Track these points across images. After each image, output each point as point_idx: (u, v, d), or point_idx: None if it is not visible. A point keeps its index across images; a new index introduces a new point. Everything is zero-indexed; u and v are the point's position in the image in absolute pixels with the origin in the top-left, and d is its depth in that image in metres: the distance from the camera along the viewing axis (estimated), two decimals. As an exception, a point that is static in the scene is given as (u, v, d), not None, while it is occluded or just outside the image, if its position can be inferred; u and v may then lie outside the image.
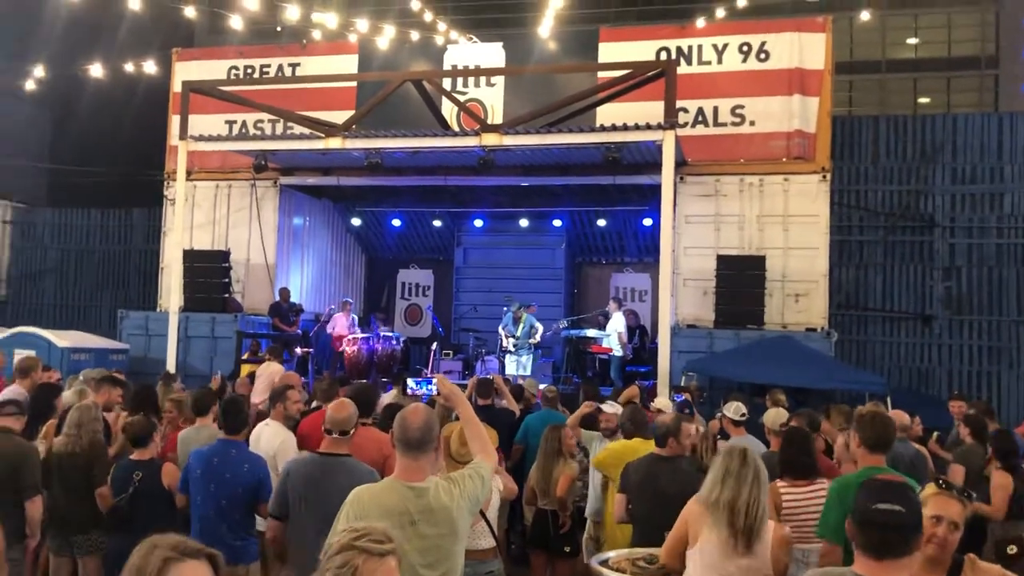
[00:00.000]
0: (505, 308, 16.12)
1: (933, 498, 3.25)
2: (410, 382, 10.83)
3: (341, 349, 16.00)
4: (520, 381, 11.71)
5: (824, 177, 14.30)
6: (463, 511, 3.48)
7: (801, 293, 14.10)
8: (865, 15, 16.27)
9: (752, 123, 14.67)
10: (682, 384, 11.67)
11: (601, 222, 17.43)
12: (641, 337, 16.45)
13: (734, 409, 6.99)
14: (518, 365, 15.30)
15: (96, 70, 17.26)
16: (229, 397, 6.20)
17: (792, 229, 14.25)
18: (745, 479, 3.97)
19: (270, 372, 10.70)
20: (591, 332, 15.62)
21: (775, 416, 6.33)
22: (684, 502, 4.23)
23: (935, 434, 9.23)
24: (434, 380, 3.98)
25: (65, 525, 6.00)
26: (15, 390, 7.66)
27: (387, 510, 3.37)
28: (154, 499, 5.71)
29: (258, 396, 9.86)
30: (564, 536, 6.47)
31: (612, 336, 15.14)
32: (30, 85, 17.82)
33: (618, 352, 15.08)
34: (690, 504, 4.14)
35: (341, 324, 16.38)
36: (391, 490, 3.44)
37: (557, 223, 18.18)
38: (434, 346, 16.60)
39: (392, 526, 3.30)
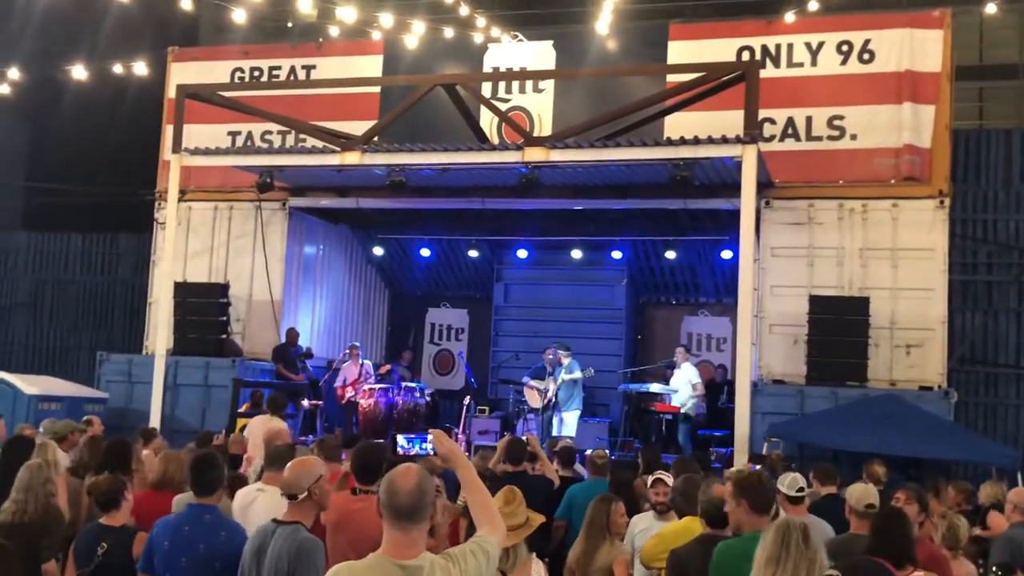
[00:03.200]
0: (551, 355, 16.04)
1: None
2: (400, 439, 10.86)
3: (348, 399, 16.03)
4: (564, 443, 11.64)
5: (942, 203, 14.09)
6: (463, 596, 3.43)
7: (913, 344, 13.84)
8: (991, 7, 16.03)
9: (853, 137, 14.55)
10: (764, 452, 11.49)
11: (670, 254, 17.34)
12: (730, 395, 16.22)
13: (790, 483, 6.77)
14: (560, 424, 15.21)
15: (79, 72, 17.77)
16: (200, 453, 6.23)
17: (902, 266, 14.04)
18: (804, 561, 3.86)
19: (269, 429, 10.76)
20: (655, 387, 15.49)
21: (861, 494, 6.16)
22: None
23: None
24: (430, 437, 3.94)
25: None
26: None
27: (372, 593, 3.35)
28: (118, 574, 5.72)
29: (252, 452, 9.93)
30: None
31: (681, 392, 15.00)
32: (2, 90, 18.36)
33: (688, 410, 14.92)
34: None
35: (351, 374, 16.45)
36: (378, 569, 3.42)
37: (617, 255, 18.16)
38: (467, 400, 16.60)
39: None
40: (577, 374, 15.70)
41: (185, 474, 6.86)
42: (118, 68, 17.93)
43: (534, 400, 15.94)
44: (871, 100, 14.52)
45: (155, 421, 13.80)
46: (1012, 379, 16.65)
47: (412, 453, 10.19)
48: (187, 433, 13.69)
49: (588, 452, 10.28)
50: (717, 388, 16.51)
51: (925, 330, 13.86)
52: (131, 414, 15.24)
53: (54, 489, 6.26)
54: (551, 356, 16.13)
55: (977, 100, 30.05)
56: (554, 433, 15.00)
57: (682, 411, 14.90)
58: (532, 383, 16.05)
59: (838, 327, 13.41)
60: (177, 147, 14.59)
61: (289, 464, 5.07)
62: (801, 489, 6.86)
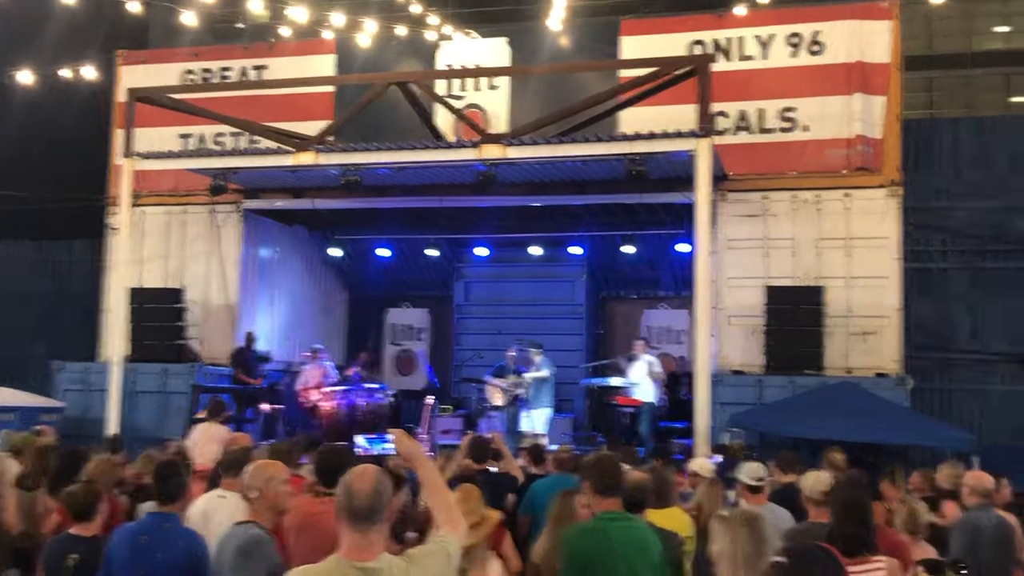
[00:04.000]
0: (513, 352, 16.07)
1: None
2: (360, 440, 10.84)
3: (311, 404, 15.97)
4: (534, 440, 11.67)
5: (894, 192, 14.27)
6: (423, 596, 3.42)
7: (869, 332, 14.02)
8: (940, -1, 16.27)
9: (805, 128, 14.71)
10: (726, 443, 11.58)
11: (628, 249, 17.40)
12: (689, 386, 16.34)
13: (749, 472, 6.85)
14: (529, 421, 15.25)
15: (25, 77, 17.52)
16: (162, 460, 6.17)
17: (856, 255, 14.22)
18: (764, 558, 3.89)
19: (211, 435, 10.71)
20: (617, 381, 15.54)
21: (814, 482, 6.21)
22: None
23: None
24: (391, 438, 3.93)
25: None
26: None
27: (329, 596, 3.33)
28: None
29: (202, 459, 9.84)
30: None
31: (641, 384, 15.06)
32: (-54, 94, 18.09)
33: (649, 399, 14.99)
34: None
35: (313, 377, 16.36)
36: (336, 571, 3.40)
37: (576, 251, 18.21)
38: (429, 400, 16.54)
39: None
40: (545, 372, 15.74)
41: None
42: (66, 72, 17.70)
43: (496, 398, 15.96)
44: (822, 91, 14.69)
45: (113, 429, 13.62)
46: (966, 364, 16.90)
47: (373, 453, 10.12)
48: (146, 441, 13.50)
49: (553, 448, 10.35)
50: (677, 380, 16.63)
51: (880, 318, 14.03)
52: (88, 423, 15.05)
53: (1, 503, 6.14)
54: (514, 354, 16.16)
55: (926, 90, 30.47)
56: (523, 430, 15.03)
57: (645, 402, 14.95)
58: (494, 381, 16.06)
59: (794, 317, 13.56)
60: (128, 151, 14.42)
61: (249, 467, 5.14)
62: (760, 479, 6.92)
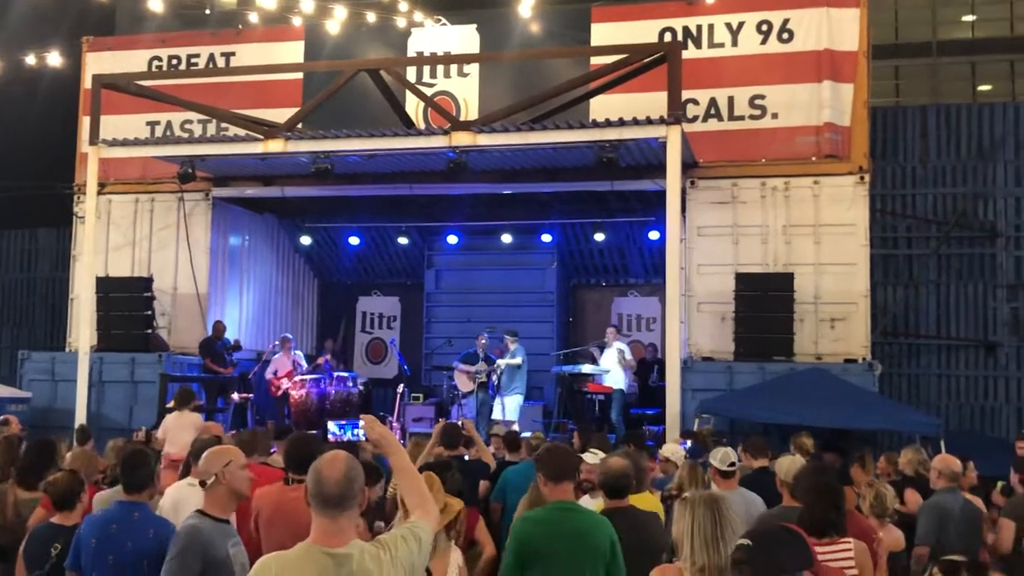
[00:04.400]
0: (483, 340, 16.10)
1: None
2: (331, 426, 10.79)
3: (282, 392, 15.90)
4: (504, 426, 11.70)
5: (862, 179, 14.35)
6: (394, 582, 3.41)
7: (837, 318, 14.11)
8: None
9: (775, 116, 14.75)
10: (695, 428, 11.62)
11: (599, 236, 17.46)
12: (661, 373, 16.43)
13: (721, 457, 6.90)
14: (502, 408, 15.27)
15: (-11, 63, 17.26)
16: (130, 448, 6.12)
17: (825, 241, 14.29)
18: (733, 539, 3.91)
19: (183, 424, 10.66)
20: (587, 368, 15.58)
21: (790, 466, 6.28)
22: (648, 554, 4.16)
23: (1000, 484, 9.20)
24: (361, 423, 3.91)
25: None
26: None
27: (300, 582, 3.31)
28: None
29: (173, 448, 9.80)
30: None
31: (612, 371, 15.11)
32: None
33: (619, 386, 15.05)
34: (664, 569, 4.08)
35: (283, 366, 16.30)
36: (306, 558, 3.39)
37: (547, 238, 18.22)
38: (400, 388, 16.54)
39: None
40: (518, 360, 15.77)
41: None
42: (31, 59, 17.45)
43: (464, 384, 15.98)
44: (791, 79, 14.73)
45: (81, 419, 13.54)
46: (934, 350, 17.09)
47: (344, 439, 10.09)
48: (115, 431, 13.42)
49: (526, 435, 10.37)
50: (647, 367, 16.72)
51: (848, 304, 14.12)
52: (55, 413, 14.93)
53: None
54: (485, 341, 16.16)
55: (893, 78, 30.70)
56: (495, 417, 15.05)
57: (615, 389, 15.00)
58: (462, 367, 16.08)
59: (764, 303, 13.60)
60: (94, 139, 14.29)
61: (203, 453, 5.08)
62: (732, 464, 6.96)
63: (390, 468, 4.32)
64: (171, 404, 11.47)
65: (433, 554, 4.36)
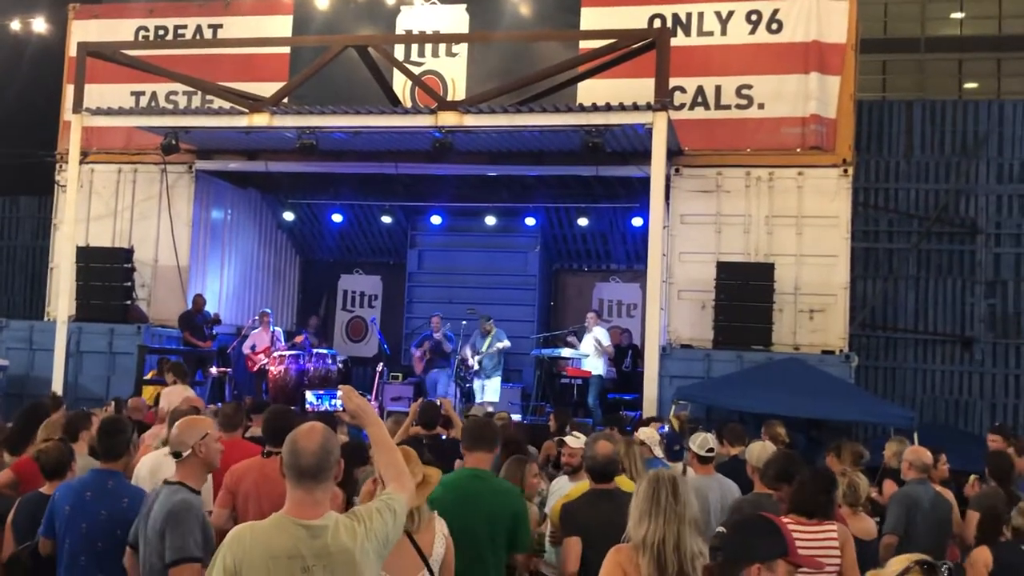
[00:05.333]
0: (465, 322, 16.12)
1: None
2: (310, 396, 10.83)
3: (259, 367, 15.88)
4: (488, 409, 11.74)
5: (845, 171, 14.39)
6: (369, 555, 3.42)
7: (816, 309, 14.17)
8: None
9: (761, 106, 14.75)
10: (672, 415, 11.67)
11: (582, 221, 17.47)
12: (635, 358, 16.54)
13: (700, 443, 6.98)
14: (482, 390, 15.30)
15: (-27, 28, 17.09)
16: (107, 417, 6.11)
17: (807, 233, 14.32)
18: (674, 515, 3.98)
19: (187, 399, 10.62)
20: (567, 352, 15.63)
21: (761, 452, 6.35)
22: None
23: (972, 477, 9.29)
24: (339, 394, 3.91)
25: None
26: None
27: (273, 553, 3.32)
28: None
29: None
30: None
31: (590, 356, 15.16)
32: None
33: (598, 372, 15.10)
34: (620, 549, 4.13)
35: (261, 341, 16.27)
36: (279, 529, 3.39)
37: (530, 221, 18.23)
38: (380, 367, 16.54)
39: (280, 573, 3.28)
40: (506, 343, 15.82)
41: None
42: (16, 25, 17.30)
43: (417, 366, 16.34)
44: (779, 70, 14.72)
45: (57, 388, 13.46)
46: (910, 343, 17.22)
47: (321, 409, 10.15)
48: (91, 401, 13.41)
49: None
50: (621, 352, 16.76)
51: (828, 296, 14.17)
52: (32, 381, 14.85)
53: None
54: (439, 323, 16.44)
55: (880, 72, 30.77)
56: (478, 400, 15.10)
57: (593, 374, 15.06)
58: (416, 352, 16.32)
59: (744, 293, 13.64)
60: (78, 107, 14.16)
61: (176, 423, 5.07)
62: (711, 450, 7.02)
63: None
64: (170, 379, 11.38)
65: (418, 526, 4.38)
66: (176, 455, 4.90)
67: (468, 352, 15.97)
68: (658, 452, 7.90)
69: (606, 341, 15.46)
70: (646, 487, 4.08)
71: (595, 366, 15.17)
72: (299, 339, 16.93)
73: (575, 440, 6.95)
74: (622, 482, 6.16)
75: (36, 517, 5.59)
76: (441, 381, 16.08)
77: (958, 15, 32.17)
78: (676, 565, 3.98)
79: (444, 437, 8.70)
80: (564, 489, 6.82)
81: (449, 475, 5.50)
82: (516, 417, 12.62)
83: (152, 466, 6.35)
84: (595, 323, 15.65)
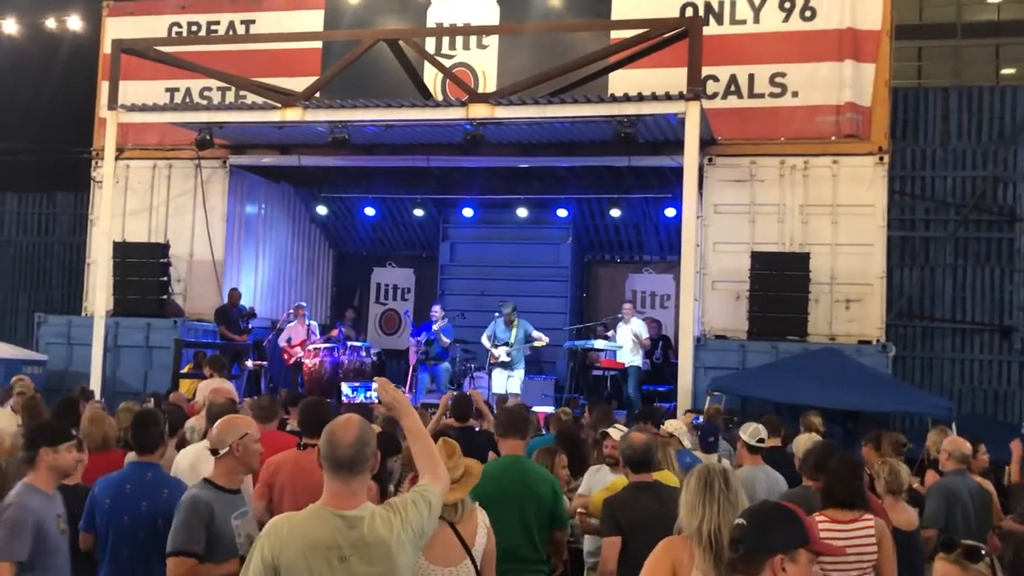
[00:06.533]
0: (496, 313, 16.11)
1: (941, 564, 3.17)
2: (345, 388, 10.93)
3: (295, 360, 15.98)
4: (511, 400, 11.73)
5: (881, 159, 14.25)
6: (404, 545, 3.44)
7: (853, 299, 14.06)
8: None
9: (795, 94, 14.65)
10: (707, 407, 11.63)
11: (615, 212, 17.38)
12: (664, 350, 16.48)
13: (751, 432, 6.97)
14: (508, 381, 15.28)
15: (9, 26, 17.30)
16: (142, 409, 6.16)
17: (842, 222, 14.21)
18: (728, 504, 3.94)
19: (223, 392, 10.72)
20: (600, 343, 15.59)
21: (807, 443, 6.32)
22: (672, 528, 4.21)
23: (1008, 467, 9.20)
24: (374, 386, 3.92)
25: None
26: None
27: (311, 543, 3.34)
28: (72, 537, 5.50)
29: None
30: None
31: (626, 347, 15.12)
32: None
33: (635, 363, 15.07)
34: (672, 540, 4.10)
35: (297, 334, 16.38)
36: (317, 519, 3.41)
37: (562, 213, 18.17)
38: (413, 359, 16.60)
39: (318, 563, 3.31)
40: (544, 339, 15.82)
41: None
42: (51, 23, 17.50)
43: (413, 356, 16.38)
44: (813, 57, 14.60)
45: (96, 383, 13.64)
46: (948, 333, 17.03)
47: (357, 401, 10.23)
48: (129, 395, 13.50)
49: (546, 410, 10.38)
50: (652, 343, 16.66)
51: (864, 285, 14.06)
52: (71, 376, 15.04)
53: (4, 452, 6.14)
54: (442, 313, 16.51)
55: (916, 59, 30.41)
56: (497, 391, 15.08)
57: (629, 365, 15.02)
58: (488, 342, 16.15)
59: (779, 283, 13.55)
60: (113, 104, 14.29)
61: (218, 421, 5.09)
62: (762, 440, 7.01)
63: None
64: (208, 372, 11.51)
65: (461, 517, 4.42)
66: (213, 452, 4.93)
67: (486, 341, 15.90)
68: (687, 443, 7.87)
69: (645, 334, 15.39)
70: (697, 478, 4.04)
71: (633, 358, 15.13)
72: (335, 332, 17.02)
73: (617, 432, 6.96)
74: (664, 476, 6.16)
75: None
76: (441, 376, 16.19)
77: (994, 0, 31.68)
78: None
79: (477, 429, 8.71)
80: (606, 480, 6.83)
81: (490, 464, 5.88)
82: (549, 409, 12.57)
83: (193, 459, 6.41)
84: (631, 314, 15.59)
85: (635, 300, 18.15)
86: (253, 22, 16.96)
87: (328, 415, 6.27)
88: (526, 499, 5.65)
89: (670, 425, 8.14)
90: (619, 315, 15.76)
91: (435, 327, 16.31)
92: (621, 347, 15.25)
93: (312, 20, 16.65)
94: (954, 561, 3.13)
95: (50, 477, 4.96)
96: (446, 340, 16.30)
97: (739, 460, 7.37)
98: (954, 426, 10.89)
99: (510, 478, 5.69)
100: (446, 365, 16.37)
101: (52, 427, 5.27)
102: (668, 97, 12.31)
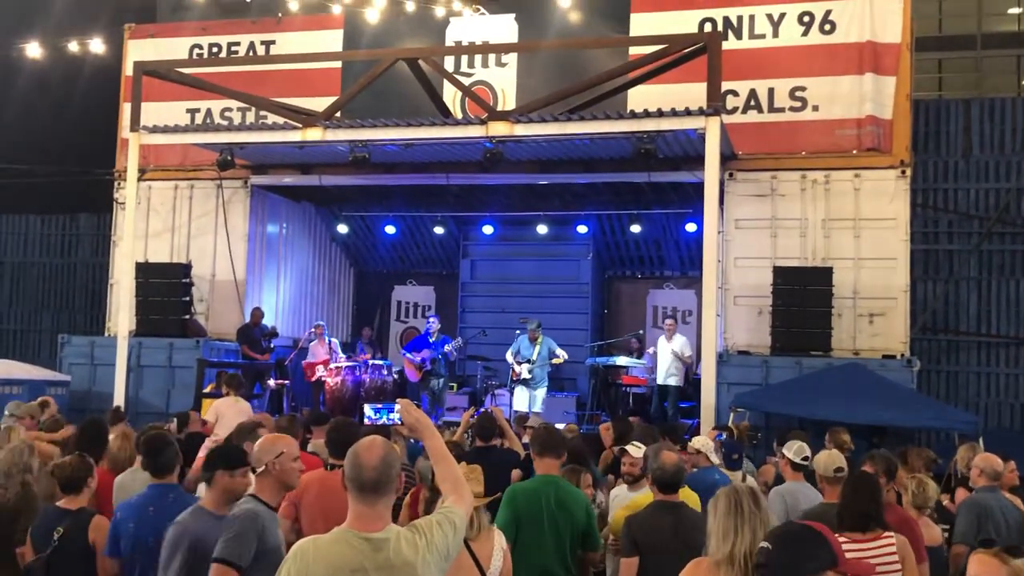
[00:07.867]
0: (518, 331, 16.09)
1: (979, 557, 3.12)
2: (367, 410, 10.94)
3: (316, 378, 16.01)
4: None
5: (903, 173, 14.18)
6: (430, 567, 3.43)
7: (876, 313, 13.96)
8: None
9: (815, 108, 14.60)
10: (730, 423, 11.55)
11: (635, 228, 17.35)
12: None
13: (796, 450, 6.95)
14: (530, 399, 15.24)
15: (33, 50, 17.46)
16: (149, 435, 6.11)
17: (865, 236, 14.14)
18: (760, 524, 3.88)
19: (239, 410, 10.75)
20: (622, 360, 15.54)
21: (827, 459, 6.25)
22: (697, 551, 4.16)
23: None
24: (397, 407, 3.92)
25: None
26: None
27: (336, 567, 3.33)
28: (74, 560, 5.56)
29: (224, 432, 9.86)
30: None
31: (664, 364, 15.13)
32: (-46, 67, 18.09)
33: (672, 382, 15.11)
34: (700, 563, 4.05)
35: (319, 353, 16.43)
36: (342, 542, 3.40)
37: (582, 229, 18.16)
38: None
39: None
40: (564, 355, 15.77)
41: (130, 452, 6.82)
42: (74, 46, 17.67)
43: (413, 373, 16.24)
44: (833, 71, 14.57)
45: (119, 403, 13.68)
46: (973, 347, 16.88)
47: (379, 423, 10.21)
48: (152, 415, 13.59)
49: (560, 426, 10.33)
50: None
51: (887, 299, 13.97)
52: (94, 396, 15.12)
53: (33, 472, 6.15)
54: (438, 326, 16.46)
55: (937, 71, 30.32)
56: (530, 409, 15.04)
57: (667, 383, 15.16)
58: (408, 356, 16.23)
59: (802, 298, 13.48)
60: (135, 125, 14.42)
61: (259, 440, 5.10)
62: (806, 457, 6.96)
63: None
64: (224, 390, 11.54)
65: (476, 536, 4.40)
66: (253, 470, 4.94)
67: (511, 358, 15.86)
68: (715, 459, 7.82)
69: (688, 351, 15.34)
70: (725, 500, 3.98)
71: (673, 376, 15.19)
72: (361, 357, 17.02)
73: (636, 449, 6.92)
74: (684, 494, 6.12)
75: (49, 531, 5.60)
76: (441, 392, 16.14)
77: (1015, 10, 31.60)
78: None
79: (500, 447, 8.67)
80: (625, 499, 6.79)
81: (526, 482, 6.04)
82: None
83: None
84: (674, 331, 15.54)
85: (656, 316, 18.12)
86: (273, 43, 17.10)
87: (356, 436, 6.27)
88: (562, 519, 5.68)
89: (697, 442, 8.09)
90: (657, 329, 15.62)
91: (448, 347, 16.21)
92: (642, 363, 15.21)
93: (332, 40, 16.77)
94: (995, 555, 3.09)
95: (223, 499, 4.93)
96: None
97: (781, 476, 7.33)
98: (981, 441, 10.80)
99: (546, 498, 5.71)
100: (444, 380, 16.32)
101: (229, 451, 5.28)
102: (688, 113, 12.30)
